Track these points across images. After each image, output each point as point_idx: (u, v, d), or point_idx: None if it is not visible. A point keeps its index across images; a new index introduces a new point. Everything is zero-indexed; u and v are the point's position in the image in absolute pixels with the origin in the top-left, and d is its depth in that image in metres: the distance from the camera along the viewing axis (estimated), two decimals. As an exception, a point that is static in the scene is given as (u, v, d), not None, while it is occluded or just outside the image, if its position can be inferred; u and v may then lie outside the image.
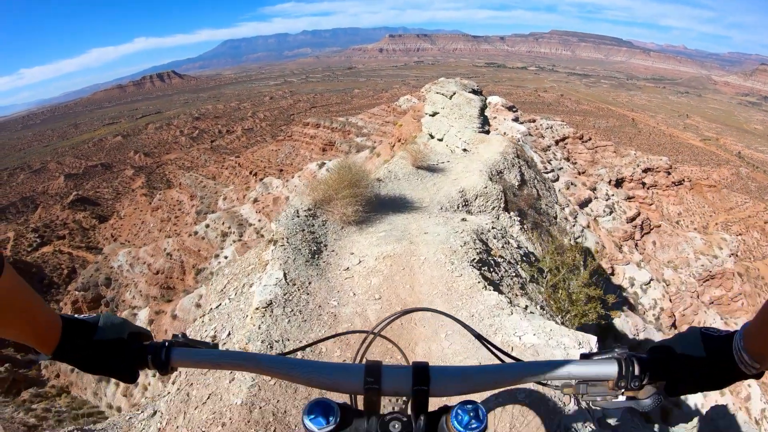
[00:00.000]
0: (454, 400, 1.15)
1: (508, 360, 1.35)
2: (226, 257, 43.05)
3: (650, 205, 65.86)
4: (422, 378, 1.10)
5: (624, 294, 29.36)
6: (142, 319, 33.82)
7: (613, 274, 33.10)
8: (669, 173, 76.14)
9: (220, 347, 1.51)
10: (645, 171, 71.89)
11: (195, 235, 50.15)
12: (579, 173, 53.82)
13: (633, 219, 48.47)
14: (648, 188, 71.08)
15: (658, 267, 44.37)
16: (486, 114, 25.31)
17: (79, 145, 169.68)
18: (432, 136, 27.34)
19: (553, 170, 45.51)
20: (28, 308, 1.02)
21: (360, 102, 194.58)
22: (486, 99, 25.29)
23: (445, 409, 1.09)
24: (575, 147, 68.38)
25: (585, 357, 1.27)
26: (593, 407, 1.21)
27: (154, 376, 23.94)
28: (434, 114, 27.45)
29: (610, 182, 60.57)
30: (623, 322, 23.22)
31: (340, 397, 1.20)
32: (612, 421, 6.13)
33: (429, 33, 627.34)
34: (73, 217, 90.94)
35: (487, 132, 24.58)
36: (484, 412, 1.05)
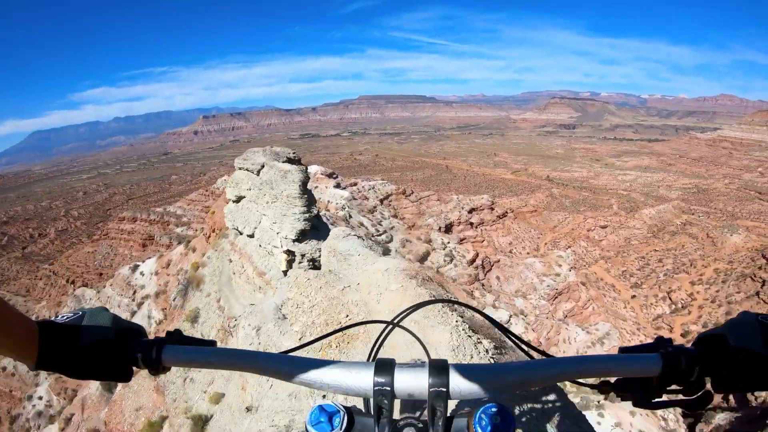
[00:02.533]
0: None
1: (536, 355, 1.24)
2: (41, 398, 36.76)
3: (482, 242, 67.51)
4: (441, 377, 0.99)
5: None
6: None
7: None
8: (492, 209, 79.34)
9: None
10: (470, 211, 74.03)
11: (3, 371, 42.39)
12: (409, 227, 53.51)
13: (473, 261, 48.50)
14: (476, 227, 73.08)
15: (508, 299, 44.72)
16: (309, 188, 21.29)
17: None
18: (240, 232, 23.39)
19: (385, 231, 44.10)
20: (3, 320, 0.97)
21: (179, 188, 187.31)
22: (306, 169, 21.20)
23: (467, 413, 1.02)
24: (400, 202, 68.65)
25: (625, 350, 1.14)
26: (634, 407, 0.85)
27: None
28: (239, 199, 23.30)
29: (440, 229, 61.13)
30: None
31: (351, 399, 1.11)
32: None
33: (243, 111, 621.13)
34: None
35: (317, 216, 20.61)
36: (510, 415, 0.99)
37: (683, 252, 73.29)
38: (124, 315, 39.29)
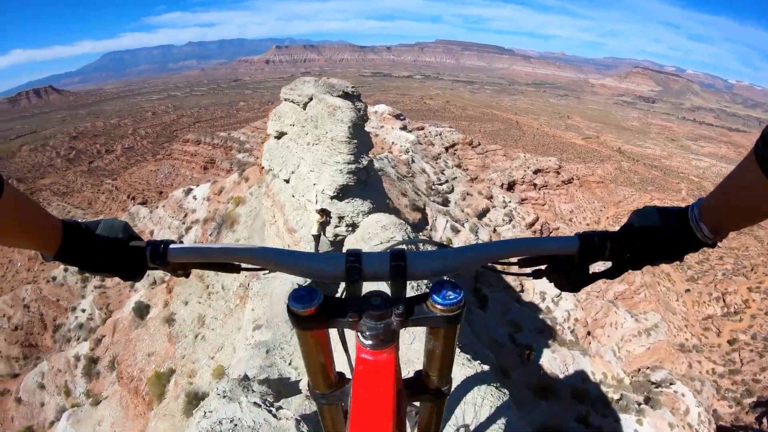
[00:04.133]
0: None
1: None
2: (84, 310, 37.70)
3: (543, 205, 65.96)
4: (399, 259, 1.12)
5: (539, 315, 28.33)
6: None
7: (522, 290, 31.33)
8: (558, 173, 76.75)
9: None
10: (535, 172, 71.91)
11: (53, 281, 43.38)
12: (472, 180, 52.09)
13: (532, 224, 47.07)
14: (539, 189, 71.13)
15: (562, 272, 43.17)
16: (367, 130, 18.91)
17: None
18: (275, 175, 20.84)
19: (447, 180, 42.90)
20: (32, 219, 1.07)
21: (246, 115, 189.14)
22: (365, 107, 18.59)
23: (423, 295, 1.11)
24: (465, 153, 66.64)
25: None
26: (563, 287, 1.27)
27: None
28: (280, 135, 20.90)
29: (502, 186, 59.60)
30: (551, 359, 21.39)
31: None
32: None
33: (316, 44, 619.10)
34: None
35: (367, 170, 17.80)
36: (460, 287, 1.08)
37: (746, 254, 70.01)
38: (174, 236, 39.85)
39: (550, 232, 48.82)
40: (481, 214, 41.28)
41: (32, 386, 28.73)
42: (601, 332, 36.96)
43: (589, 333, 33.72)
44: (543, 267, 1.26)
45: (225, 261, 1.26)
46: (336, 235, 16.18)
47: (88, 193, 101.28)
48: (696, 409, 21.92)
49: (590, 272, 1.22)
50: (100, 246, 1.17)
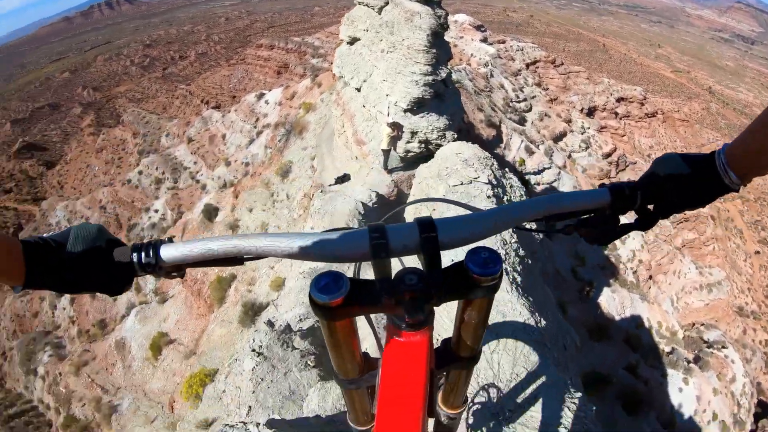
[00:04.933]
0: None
1: None
2: (156, 210, 39.03)
3: (623, 136, 62.84)
4: (429, 229, 1.04)
5: (604, 250, 27.23)
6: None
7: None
8: (643, 104, 72.24)
9: None
10: (618, 100, 67.67)
11: (128, 183, 45.64)
12: (551, 100, 49.68)
13: (609, 154, 44.71)
14: (620, 118, 67.18)
15: (632, 209, 41.63)
16: (446, 39, 17.18)
17: (25, 87, 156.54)
18: (347, 83, 19.32)
19: (525, 99, 40.85)
20: None
21: (320, 20, 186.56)
22: (446, 14, 16.53)
23: (459, 266, 1.05)
24: (547, 72, 63.04)
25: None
26: (598, 241, 1.27)
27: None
28: (352, 41, 19.28)
29: (582, 111, 56.61)
30: (610, 299, 21.10)
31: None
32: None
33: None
34: (20, 166, 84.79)
35: (443, 81, 15.93)
36: (497, 254, 1.04)
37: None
38: (245, 141, 40.29)
39: (627, 166, 46.39)
40: (557, 138, 39.43)
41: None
42: (662, 278, 35.64)
43: (650, 277, 32.87)
44: (573, 222, 1.24)
45: (227, 256, 1.07)
46: (407, 152, 14.98)
47: (163, 98, 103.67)
48: (743, 379, 21.18)
49: (620, 224, 1.22)
50: (76, 261, 0.99)
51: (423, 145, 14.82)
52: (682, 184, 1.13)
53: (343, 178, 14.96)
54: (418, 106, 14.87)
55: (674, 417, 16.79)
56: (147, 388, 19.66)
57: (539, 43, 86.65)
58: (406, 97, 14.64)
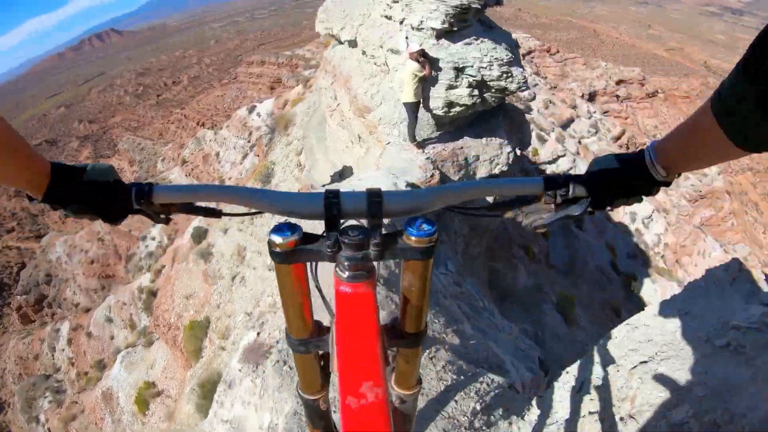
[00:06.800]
0: None
1: None
2: (153, 238, 37.90)
3: (626, 119, 61.71)
4: (376, 196, 1.17)
5: (632, 238, 27.41)
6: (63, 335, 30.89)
7: (611, 209, 28.43)
8: (642, 84, 71.40)
9: None
10: (618, 83, 66.83)
11: None
12: (552, 88, 48.51)
13: (618, 137, 43.54)
14: (622, 101, 66.29)
15: (648, 191, 40.39)
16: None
17: (23, 125, 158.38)
18: (338, 40, 15.75)
19: (528, 87, 39.36)
20: (19, 154, 1.10)
21: (309, 33, 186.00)
22: None
23: (398, 231, 1.17)
24: (543, 61, 63.06)
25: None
26: (533, 226, 1.36)
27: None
28: None
29: (582, 96, 55.36)
30: (652, 291, 20.15)
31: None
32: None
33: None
34: (21, 204, 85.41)
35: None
36: (433, 221, 1.15)
37: None
38: (239, 157, 39.29)
39: (637, 147, 44.26)
40: (565, 125, 38.10)
41: (101, 320, 28.84)
42: (688, 260, 34.22)
43: (677, 261, 31.49)
44: (509, 205, 1.33)
45: (207, 199, 1.29)
46: (450, 105, 9.68)
47: (158, 124, 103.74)
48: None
49: (556, 212, 1.28)
50: (89, 187, 1.18)
51: (476, 92, 9.61)
52: (611, 178, 1.21)
53: (342, 174, 12.34)
54: (460, 25, 9.63)
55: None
56: (139, 448, 18.02)
57: (530, 35, 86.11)
58: (436, 13, 9.36)
